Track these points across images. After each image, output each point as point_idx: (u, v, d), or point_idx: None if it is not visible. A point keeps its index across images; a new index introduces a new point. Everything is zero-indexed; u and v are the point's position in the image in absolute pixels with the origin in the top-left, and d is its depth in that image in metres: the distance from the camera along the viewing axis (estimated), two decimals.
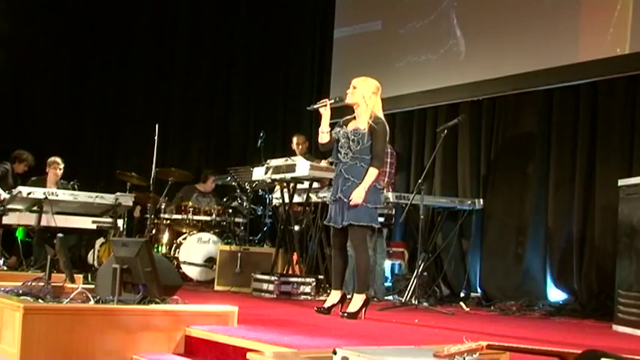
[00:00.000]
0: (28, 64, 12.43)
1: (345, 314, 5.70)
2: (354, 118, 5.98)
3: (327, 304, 5.95)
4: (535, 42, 8.06)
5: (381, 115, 5.94)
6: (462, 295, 8.22)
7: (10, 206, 8.27)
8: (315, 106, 6.05)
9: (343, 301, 5.94)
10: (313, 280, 7.61)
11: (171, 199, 10.30)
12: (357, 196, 5.71)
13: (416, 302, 6.80)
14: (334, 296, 5.97)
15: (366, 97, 5.89)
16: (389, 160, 8.20)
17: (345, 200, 5.76)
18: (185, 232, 9.95)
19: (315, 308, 5.99)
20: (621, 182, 6.14)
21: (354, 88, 5.94)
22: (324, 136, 5.95)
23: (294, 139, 9.35)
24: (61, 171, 9.85)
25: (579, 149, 7.65)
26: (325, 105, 5.97)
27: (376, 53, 9.83)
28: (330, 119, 6.01)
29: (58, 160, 9.88)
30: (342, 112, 6.27)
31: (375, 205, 5.86)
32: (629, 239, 5.87)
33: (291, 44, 11.62)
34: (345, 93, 6.02)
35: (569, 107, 7.84)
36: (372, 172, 5.78)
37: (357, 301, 5.76)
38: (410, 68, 9.41)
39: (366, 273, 5.89)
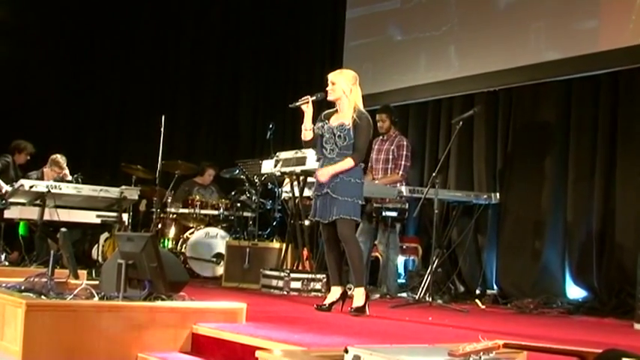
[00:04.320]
0: (31, 54, 12.46)
1: (353, 310, 5.74)
2: (336, 111, 6.05)
3: (327, 301, 5.97)
4: (553, 30, 8.02)
5: (361, 106, 6.01)
6: (477, 292, 8.19)
7: (11, 200, 8.30)
8: (297, 104, 6.07)
9: (344, 297, 5.98)
10: (324, 276, 7.59)
11: (177, 193, 10.32)
12: (325, 173, 5.87)
13: (430, 299, 6.79)
14: (334, 293, 6.00)
15: (346, 91, 5.96)
16: (404, 152, 8.18)
17: (334, 196, 5.83)
18: (192, 227, 9.97)
19: (315, 306, 6.01)
20: None
21: (333, 83, 6.00)
22: (307, 134, 6.02)
23: None
24: (61, 174, 9.57)
25: (599, 142, 7.61)
26: (307, 102, 6.02)
27: (391, 34, 9.84)
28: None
29: (62, 161, 9.65)
30: (322, 107, 6.29)
31: (360, 200, 5.94)
32: None
33: (300, 31, 11.59)
34: (324, 90, 6.06)
35: (588, 98, 7.80)
36: (348, 161, 5.86)
37: (359, 295, 5.81)
38: (425, 45, 9.44)
39: (361, 265, 5.95)
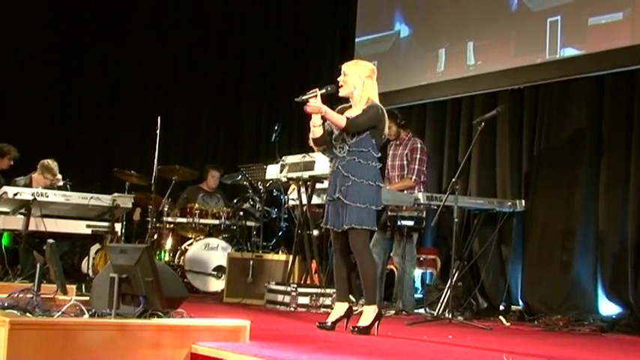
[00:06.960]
0: (13, 50, 12.45)
1: (356, 329, 5.67)
2: (350, 106, 5.96)
3: (330, 319, 5.88)
4: (584, 21, 8.00)
5: (377, 100, 5.90)
6: (501, 308, 8.20)
7: None
8: (305, 97, 5.88)
9: (350, 315, 5.91)
10: (334, 291, 7.57)
11: (175, 201, 10.32)
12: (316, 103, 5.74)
13: (450, 316, 6.80)
14: (339, 309, 5.92)
15: (357, 84, 5.87)
16: (419, 155, 8.19)
17: (346, 202, 5.72)
18: (191, 238, 9.98)
19: (317, 323, 5.93)
20: None
21: (345, 75, 5.90)
22: (316, 130, 5.86)
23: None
24: (53, 182, 9.58)
25: (634, 144, 7.58)
26: (316, 95, 5.85)
27: (405, 27, 9.90)
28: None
29: (54, 167, 9.64)
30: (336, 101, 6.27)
31: (377, 207, 5.84)
32: None
33: (308, 22, 11.60)
34: (336, 82, 5.99)
35: (622, 96, 7.78)
36: (339, 118, 5.74)
37: (368, 314, 5.73)
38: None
39: (374, 281, 5.84)
